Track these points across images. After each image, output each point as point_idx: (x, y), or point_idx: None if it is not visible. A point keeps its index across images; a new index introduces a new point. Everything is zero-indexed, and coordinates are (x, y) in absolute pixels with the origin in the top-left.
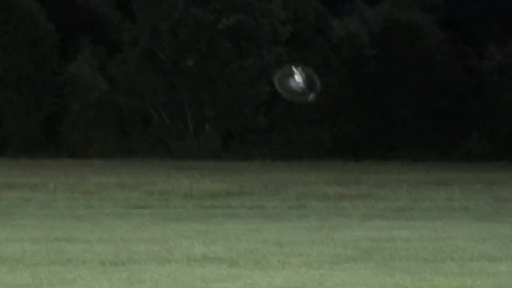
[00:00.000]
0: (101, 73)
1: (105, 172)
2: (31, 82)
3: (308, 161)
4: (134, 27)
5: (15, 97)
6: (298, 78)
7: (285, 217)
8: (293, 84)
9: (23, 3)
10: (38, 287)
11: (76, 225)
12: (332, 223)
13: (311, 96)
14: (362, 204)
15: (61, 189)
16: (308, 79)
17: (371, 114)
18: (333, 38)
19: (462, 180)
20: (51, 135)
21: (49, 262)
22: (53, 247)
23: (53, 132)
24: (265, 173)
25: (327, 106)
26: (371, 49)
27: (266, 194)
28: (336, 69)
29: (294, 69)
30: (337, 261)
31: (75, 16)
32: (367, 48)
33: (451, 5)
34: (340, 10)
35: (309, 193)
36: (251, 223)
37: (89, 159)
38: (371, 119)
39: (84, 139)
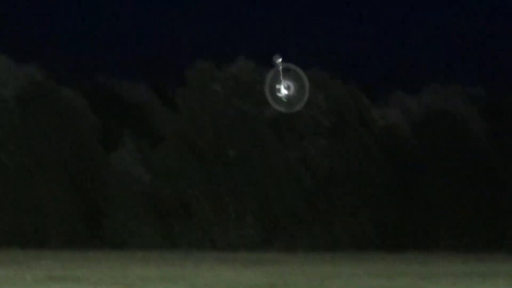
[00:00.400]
0: (143, 164)
1: (148, 264)
2: (74, 174)
3: (352, 252)
4: (176, 119)
5: (58, 190)
6: (283, 89)
7: None
8: (278, 94)
9: (68, 96)
10: None
11: None
12: None
13: (296, 108)
14: None
15: (104, 281)
16: (296, 91)
17: (414, 204)
18: (374, 128)
19: (507, 271)
20: (94, 227)
21: None
22: None
23: (96, 224)
24: (308, 265)
25: (370, 196)
26: (413, 139)
27: (310, 287)
28: (378, 159)
29: (282, 80)
30: None
31: (118, 108)
32: (408, 138)
33: (493, 95)
34: (381, 100)
35: (353, 286)
36: None
37: (132, 250)
38: (414, 210)
39: (127, 231)
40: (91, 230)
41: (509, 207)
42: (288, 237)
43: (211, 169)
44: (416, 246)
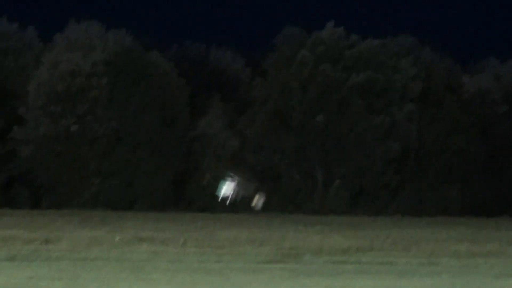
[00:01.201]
0: (231, 130)
1: (236, 226)
2: (162, 139)
3: (438, 217)
4: (264, 85)
5: (147, 154)
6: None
7: (416, 274)
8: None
9: (156, 62)
10: None
11: (206, 279)
12: (465, 280)
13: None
14: (495, 262)
15: (191, 243)
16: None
17: (502, 170)
18: (464, 95)
19: None
20: (181, 191)
21: None
22: None
23: (184, 188)
24: (395, 229)
25: (457, 164)
26: (503, 106)
27: (397, 250)
28: (467, 126)
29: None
30: None
31: (206, 73)
32: (499, 105)
33: None
34: (471, 67)
35: (440, 250)
36: (382, 279)
37: (219, 213)
38: (503, 177)
39: (214, 195)
40: (179, 193)
41: None
42: (375, 202)
43: (298, 135)
44: (503, 212)
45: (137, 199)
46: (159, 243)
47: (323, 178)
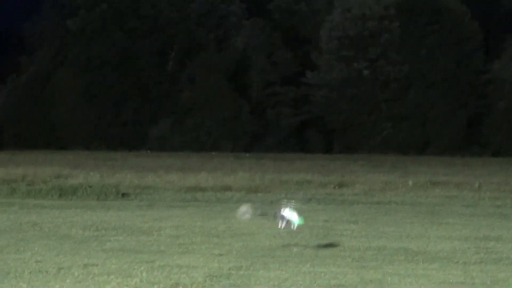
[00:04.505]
0: None
1: None
2: (455, 82)
3: None
4: None
5: (439, 98)
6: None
7: None
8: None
9: (450, 4)
10: (470, 286)
11: (504, 224)
12: None
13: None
14: None
15: (486, 188)
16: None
17: None
18: None
19: None
20: (474, 135)
21: (479, 260)
22: (482, 245)
23: (477, 132)
24: None
25: None
26: None
27: None
28: None
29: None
30: None
31: (499, 15)
32: None
33: None
34: None
35: None
36: None
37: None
38: None
39: (508, 139)
40: (472, 137)
41: None
42: None
43: None
44: None
45: (429, 143)
46: (453, 187)
47: None
